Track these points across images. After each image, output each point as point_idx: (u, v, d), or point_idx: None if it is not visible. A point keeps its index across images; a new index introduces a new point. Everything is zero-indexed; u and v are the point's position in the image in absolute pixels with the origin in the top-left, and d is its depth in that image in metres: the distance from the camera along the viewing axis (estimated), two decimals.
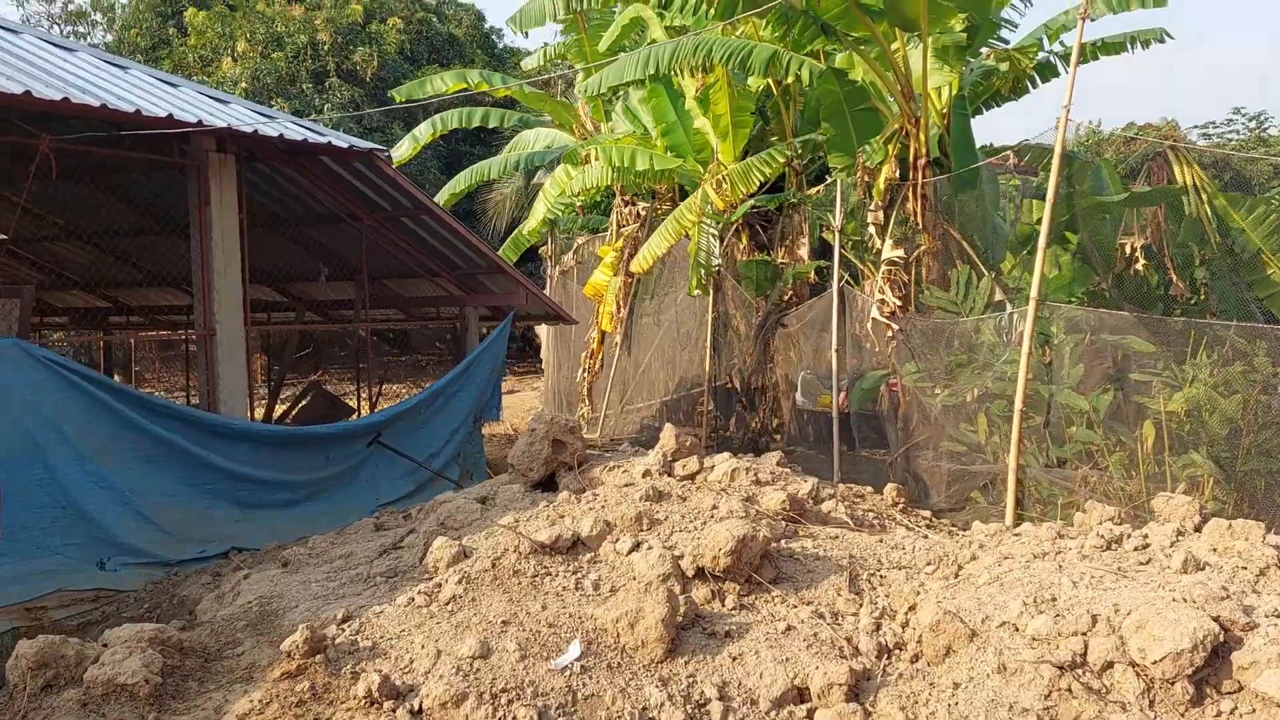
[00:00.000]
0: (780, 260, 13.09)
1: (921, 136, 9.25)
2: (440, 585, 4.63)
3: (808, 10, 8.69)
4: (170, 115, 7.23)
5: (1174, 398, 7.38)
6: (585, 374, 17.57)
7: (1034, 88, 13.19)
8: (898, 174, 9.25)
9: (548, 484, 6.80)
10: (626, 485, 6.30)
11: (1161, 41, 13.28)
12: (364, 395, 12.87)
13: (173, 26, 33.37)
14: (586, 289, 16.90)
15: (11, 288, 7.39)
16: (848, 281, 10.46)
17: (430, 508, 6.20)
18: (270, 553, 6.91)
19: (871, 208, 9.58)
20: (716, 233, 12.67)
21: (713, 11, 8.81)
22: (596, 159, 14.25)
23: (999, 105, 15.52)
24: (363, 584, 5.07)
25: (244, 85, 26.50)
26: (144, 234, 11.91)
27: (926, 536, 6.15)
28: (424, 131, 17.21)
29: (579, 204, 17.80)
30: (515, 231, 16.77)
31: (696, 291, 12.54)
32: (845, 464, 10.60)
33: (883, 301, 9.39)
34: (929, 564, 5.19)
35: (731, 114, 13.07)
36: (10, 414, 7.07)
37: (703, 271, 12.22)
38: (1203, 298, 10.99)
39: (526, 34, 8.56)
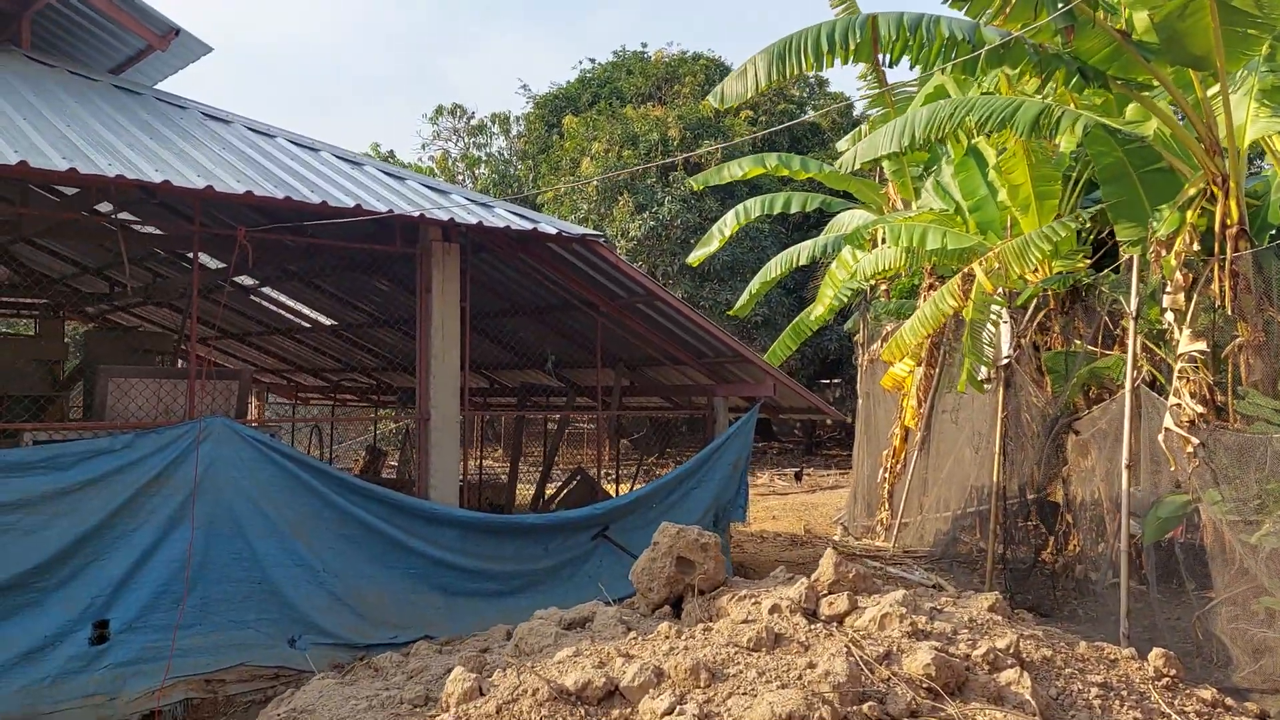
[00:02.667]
0: (1100, 352, 11.07)
1: (1232, 201, 7.26)
2: None
3: (1060, 55, 7.19)
4: (358, 205, 7.44)
5: None
6: (886, 474, 16.07)
7: None
8: (1194, 246, 7.31)
9: (676, 608, 5.91)
10: (746, 621, 5.25)
11: None
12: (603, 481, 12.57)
13: (556, 133, 36.74)
14: (884, 380, 15.53)
15: (231, 370, 7.93)
16: (1151, 382, 8.46)
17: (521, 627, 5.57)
18: (415, 648, 6.62)
19: (1168, 290, 7.67)
20: (1005, 319, 10.97)
21: (947, 63, 7.58)
22: (884, 240, 13.12)
23: None
24: (388, 709, 4.54)
25: (595, 184, 28.24)
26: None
27: None
28: (729, 223, 16.98)
29: (884, 288, 16.56)
30: (799, 317, 15.87)
31: (967, 388, 10.89)
32: (1148, 615, 8.44)
33: (1178, 407, 7.40)
34: None
35: (1033, 183, 11.40)
36: (215, 488, 7.50)
37: (976, 363, 10.59)
38: None
39: (733, 110, 7.91)
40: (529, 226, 8.45)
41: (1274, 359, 7.22)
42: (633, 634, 5.16)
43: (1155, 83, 7.45)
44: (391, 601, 8.41)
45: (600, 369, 10.59)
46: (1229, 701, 6.26)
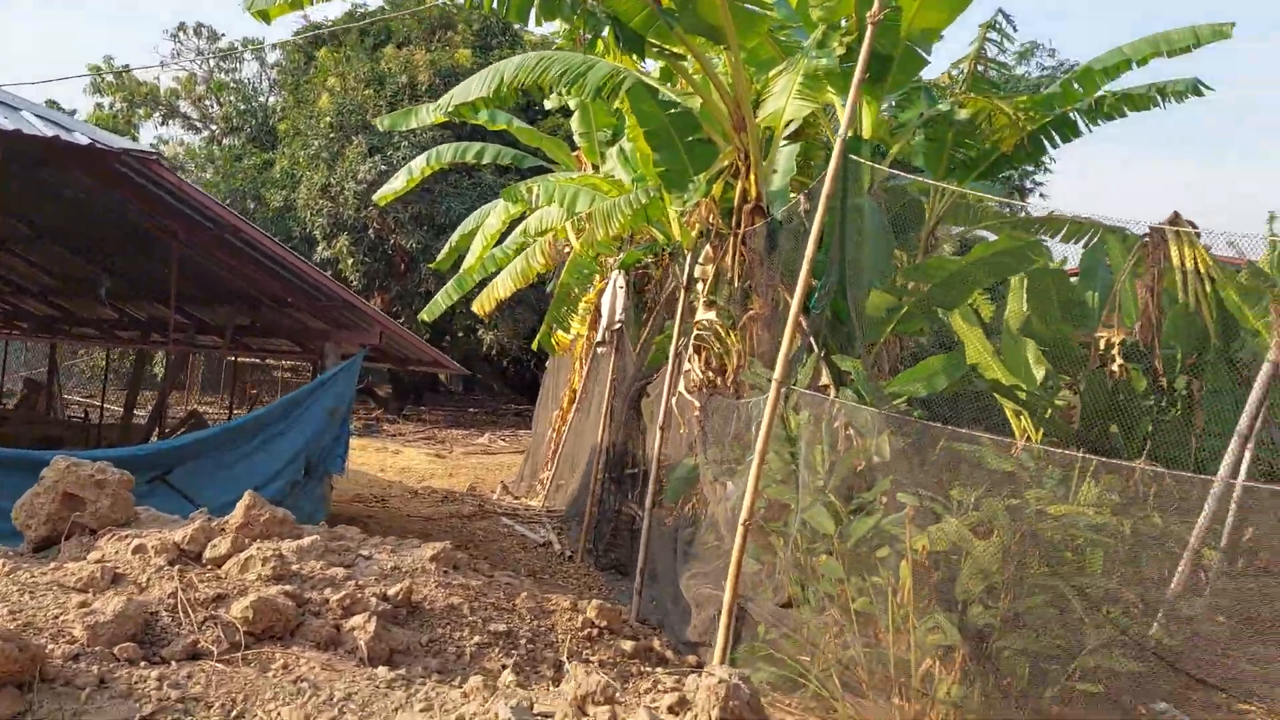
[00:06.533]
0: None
1: (751, 178, 7.49)
2: None
3: (596, 13, 7.18)
4: None
5: (926, 532, 5.29)
6: (553, 434, 16.19)
7: (1054, 147, 11.06)
8: (710, 219, 7.52)
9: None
10: (100, 561, 4.94)
11: (1199, 94, 10.93)
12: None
13: (314, 65, 34.88)
14: (549, 340, 15.59)
15: None
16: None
17: None
18: None
19: (700, 261, 7.87)
20: (621, 284, 11.12)
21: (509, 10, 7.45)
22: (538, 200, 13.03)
23: (1013, 168, 13.43)
24: None
25: (329, 119, 27.03)
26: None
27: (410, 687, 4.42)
28: (418, 165, 16.46)
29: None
30: (460, 271, 15.59)
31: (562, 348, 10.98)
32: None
33: (689, 373, 7.63)
34: None
35: None
36: None
37: (556, 323, 10.70)
38: (1180, 411, 8.63)
39: (269, 20, 7.46)
40: (49, 134, 7.71)
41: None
42: None
43: (684, 51, 7.56)
44: None
45: (173, 302, 9.96)
46: (667, 655, 6.50)
